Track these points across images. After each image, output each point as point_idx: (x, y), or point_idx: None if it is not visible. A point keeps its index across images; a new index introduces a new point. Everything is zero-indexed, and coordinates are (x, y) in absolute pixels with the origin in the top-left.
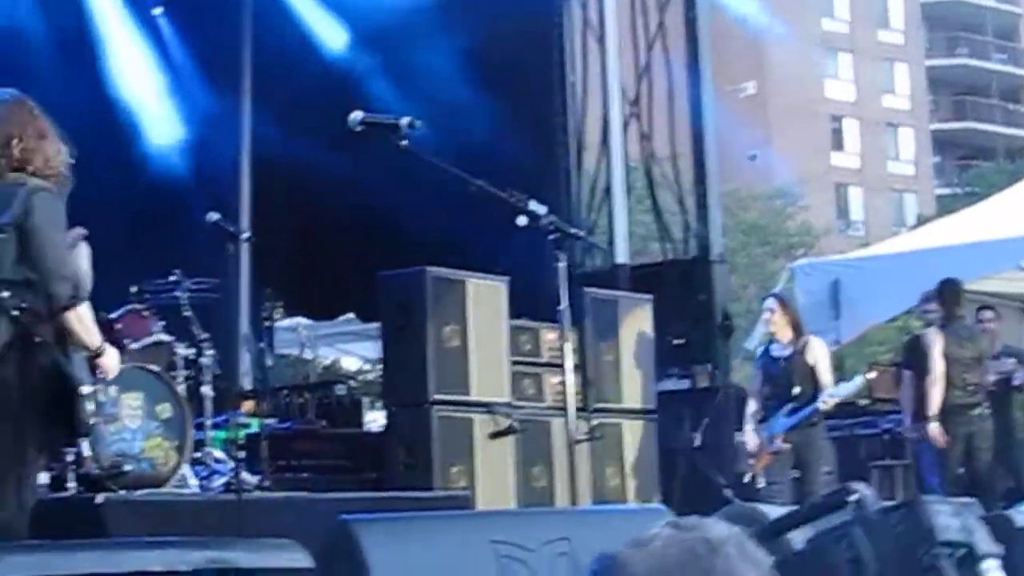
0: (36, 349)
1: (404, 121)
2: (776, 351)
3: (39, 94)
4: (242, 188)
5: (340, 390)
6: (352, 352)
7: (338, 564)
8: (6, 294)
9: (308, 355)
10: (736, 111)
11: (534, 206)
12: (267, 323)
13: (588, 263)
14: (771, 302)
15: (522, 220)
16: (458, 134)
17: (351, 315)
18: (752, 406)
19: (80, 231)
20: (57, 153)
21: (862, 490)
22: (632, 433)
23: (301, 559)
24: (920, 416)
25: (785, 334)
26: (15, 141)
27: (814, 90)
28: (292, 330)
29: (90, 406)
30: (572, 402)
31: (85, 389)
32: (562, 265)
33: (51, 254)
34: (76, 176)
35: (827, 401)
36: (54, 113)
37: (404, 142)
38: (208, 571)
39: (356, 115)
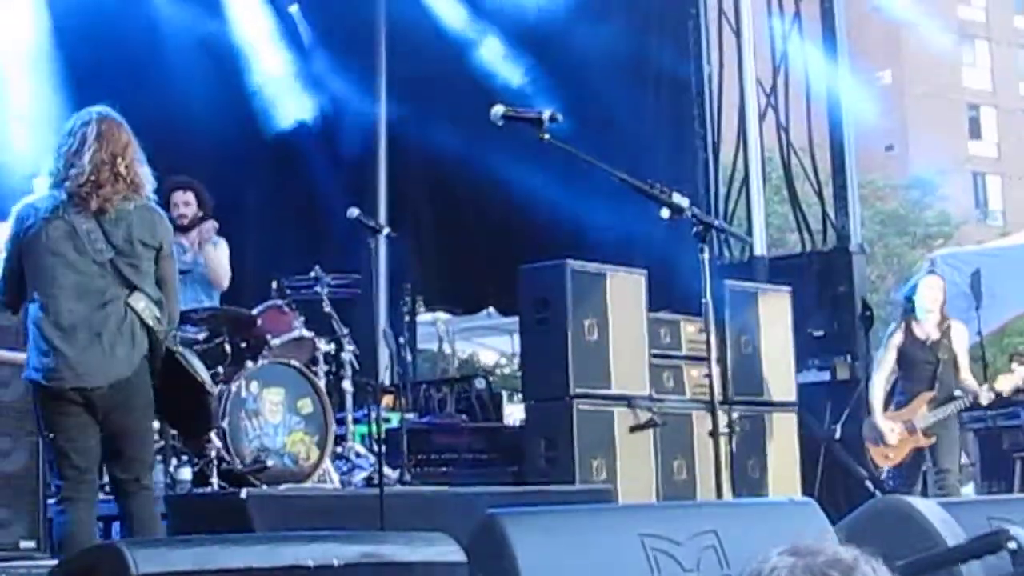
0: (170, 356)
1: (546, 114)
2: (921, 332)
3: (176, 92)
4: (379, 180)
5: (479, 384)
6: (490, 346)
7: (485, 558)
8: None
9: (447, 349)
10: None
11: (677, 198)
12: (407, 318)
13: (727, 255)
14: (936, 279)
15: (665, 213)
16: (596, 126)
17: (490, 309)
18: (881, 391)
19: (213, 224)
20: (148, 175)
21: (1021, 537)
22: (773, 425)
23: (455, 552)
24: None
25: (935, 316)
26: (119, 160)
27: (951, 78)
28: (431, 324)
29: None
30: (715, 395)
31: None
32: (705, 257)
33: (174, 282)
34: (217, 169)
35: (988, 396)
36: (193, 109)
37: (546, 135)
38: (363, 566)
39: (498, 109)
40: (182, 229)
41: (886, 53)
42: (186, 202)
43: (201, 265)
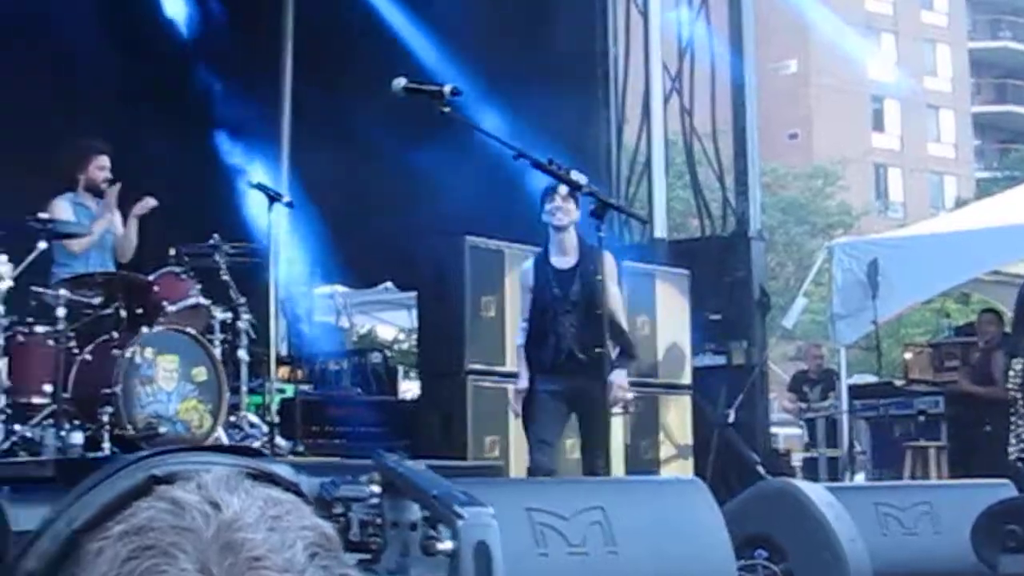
0: None
1: (447, 88)
2: None
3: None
4: (282, 149)
5: (375, 358)
6: (389, 321)
7: None
8: None
9: (344, 323)
10: (777, 89)
11: (576, 175)
12: (304, 289)
13: (626, 237)
14: None
15: (563, 190)
16: (499, 102)
17: (389, 284)
18: None
19: (151, 202)
20: None
21: None
22: (667, 407)
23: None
24: None
25: None
26: None
27: (856, 70)
28: (329, 297)
29: None
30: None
31: None
32: (602, 236)
33: None
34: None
35: None
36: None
37: (447, 108)
38: None
39: (399, 81)
40: (99, 193)
41: (793, 42)
42: (103, 167)
43: (112, 234)
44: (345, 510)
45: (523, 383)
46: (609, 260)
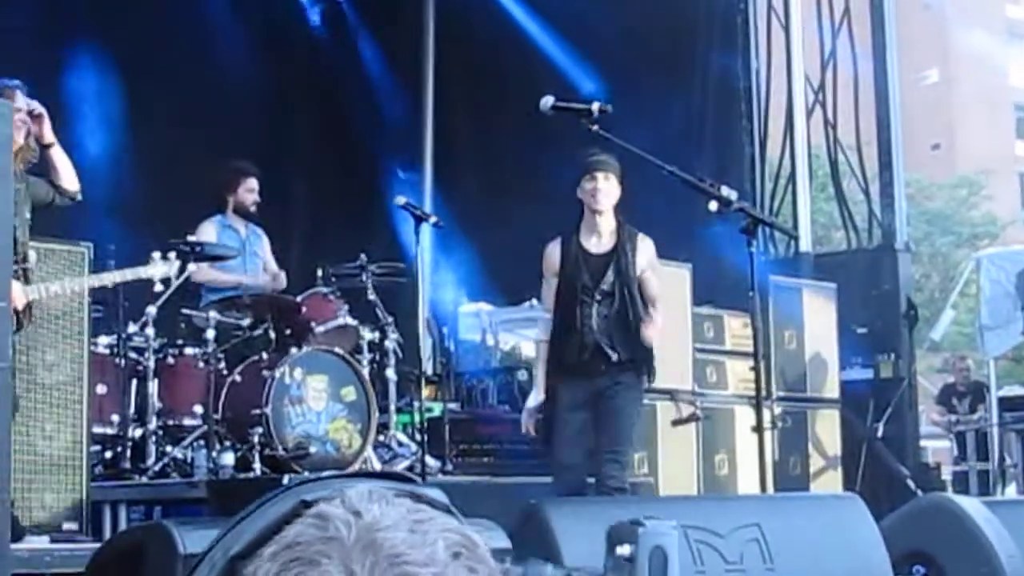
0: None
1: (595, 106)
2: None
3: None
4: (425, 171)
5: (522, 375)
6: (532, 338)
7: (528, 546)
8: None
9: (490, 341)
10: (919, 99)
11: (726, 192)
12: (451, 308)
13: (772, 251)
14: None
15: (713, 206)
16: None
17: (533, 302)
18: None
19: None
20: None
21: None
22: (815, 422)
23: (499, 539)
24: None
25: None
26: None
27: (998, 77)
28: (475, 316)
29: None
30: (760, 390)
31: None
32: (753, 251)
33: None
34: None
35: None
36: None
37: (595, 127)
38: None
39: (547, 100)
40: (248, 216)
41: (934, 51)
42: (251, 188)
43: (260, 257)
44: None
45: (537, 398)
46: (649, 245)
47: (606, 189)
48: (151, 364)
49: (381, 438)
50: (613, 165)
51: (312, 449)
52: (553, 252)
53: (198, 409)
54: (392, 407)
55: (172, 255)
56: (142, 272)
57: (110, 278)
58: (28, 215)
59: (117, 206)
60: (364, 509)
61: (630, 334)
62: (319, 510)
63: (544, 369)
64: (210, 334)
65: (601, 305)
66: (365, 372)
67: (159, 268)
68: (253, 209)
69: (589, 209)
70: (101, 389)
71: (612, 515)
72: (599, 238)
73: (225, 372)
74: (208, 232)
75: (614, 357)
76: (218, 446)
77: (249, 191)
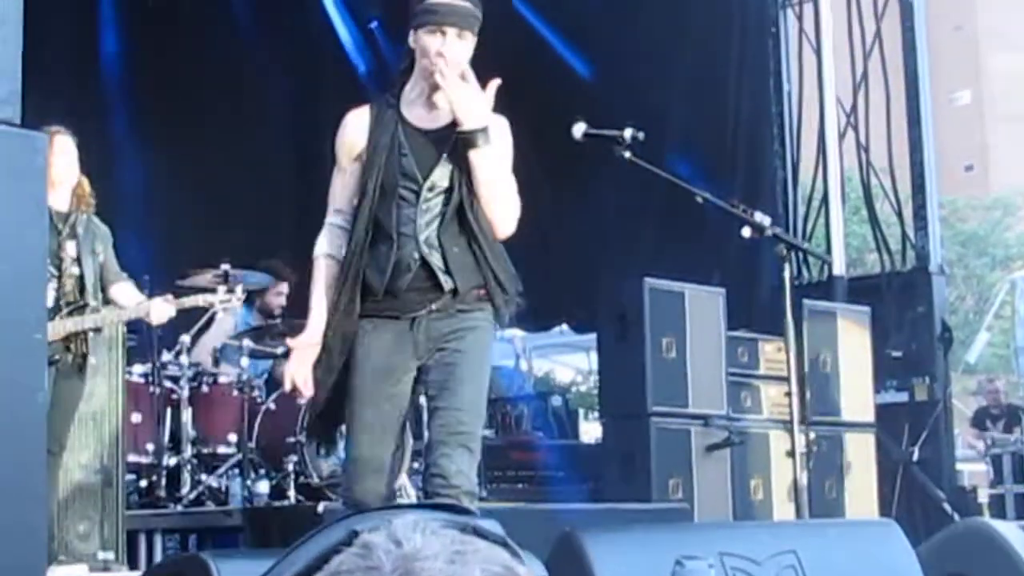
0: None
1: (627, 133)
2: None
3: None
4: None
5: (556, 401)
6: (566, 363)
7: (564, 575)
8: None
9: (524, 366)
10: (952, 120)
11: (759, 217)
12: None
13: (805, 274)
14: None
15: (746, 231)
16: (675, 142)
17: (563, 327)
18: None
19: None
20: None
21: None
22: (851, 446)
23: (535, 567)
24: None
25: None
26: None
27: None
28: (508, 341)
29: None
30: (795, 414)
31: None
32: (786, 276)
33: None
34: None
35: None
36: None
37: (627, 154)
38: None
39: (579, 127)
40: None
41: (966, 72)
42: (280, 292)
43: None
44: None
45: (309, 340)
46: (503, 124)
47: (457, 52)
48: (185, 392)
49: (416, 465)
50: (475, 17)
51: None
52: (356, 125)
53: (232, 437)
54: (426, 433)
55: (239, 288)
56: (212, 298)
57: (186, 303)
58: (99, 253)
59: (151, 235)
60: (406, 539)
61: (473, 249)
62: (364, 539)
63: (326, 300)
64: (244, 362)
65: (430, 205)
66: None
67: (223, 298)
68: (278, 312)
69: (423, 75)
70: (136, 418)
71: (649, 541)
72: (430, 109)
73: (259, 400)
74: (226, 324)
75: (448, 284)
76: (253, 474)
77: (278, 295)
